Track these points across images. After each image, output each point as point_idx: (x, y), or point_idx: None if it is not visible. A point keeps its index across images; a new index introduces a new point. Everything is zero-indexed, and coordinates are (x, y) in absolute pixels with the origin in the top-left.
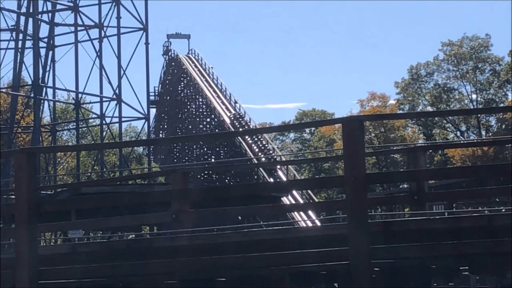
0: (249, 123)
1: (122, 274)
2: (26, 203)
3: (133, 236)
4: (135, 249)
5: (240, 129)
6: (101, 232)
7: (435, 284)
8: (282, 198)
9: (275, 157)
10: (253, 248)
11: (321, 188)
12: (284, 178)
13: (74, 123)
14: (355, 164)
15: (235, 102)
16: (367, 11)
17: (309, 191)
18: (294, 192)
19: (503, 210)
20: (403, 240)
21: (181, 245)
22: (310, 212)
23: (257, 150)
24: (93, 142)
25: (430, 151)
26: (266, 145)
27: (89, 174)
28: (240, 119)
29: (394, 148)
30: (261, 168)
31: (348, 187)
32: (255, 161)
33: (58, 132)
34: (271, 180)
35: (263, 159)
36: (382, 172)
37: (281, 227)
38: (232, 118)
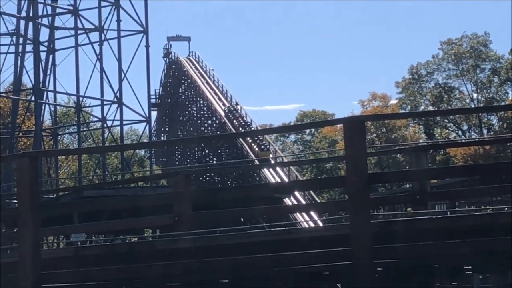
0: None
1: (125, 277)
2: (29, 207)
3: (136, 239)
4: (137, 251)
5: (241, 130)
6: (103, 236)
7: (438, 284)
8: (284, 199)
9: (277, 159)
10: (255, 249)
11: (323, 188)
12: (286, 179)
13: (75, 127)
14: (357, 164)
15: (236, 104)
16: (366, 11)
17: (311, 192)
18: (297, 194)
19: (506, 209)
20: (406, 239)
21: (183, 247)
22: (312, 213)
23: (258, 151)
24: (94, 145)
25: (432, 150)
26: (268, 146)
27: (91, 177)
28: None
29: (396, 148)
30: (263, 169)
31: (350, 187)
32: (256, 162)
33: (59, 136)
34: (273, 181)
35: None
36: (384, 172)
37: (282, 228)
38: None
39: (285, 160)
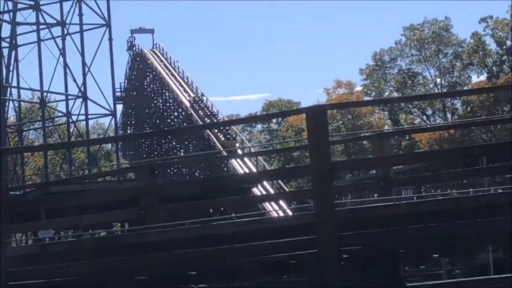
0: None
1: (92, 272)
2: None
3: (104, 233)
4: (104, 246)
5: (207, 121)
6: (72, 231)
7: (406, 268)
8: (252, 189)
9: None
10: (223, 241)
11: (289, 178)
12: (254, 170)
13: (40, 122)
14: (320, 152)
15: (202, 95)
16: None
17: (280, 181)
18: (265, 183)
19: (471, 192)
20: (371, 226)
21: (151, 241)
22: (281, 202)
23: (224, 140)
24: (60, 140)
25: (397, 136)
26: (234, 136)
27: (57, 173)
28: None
29: (361, 135)
30: (231, 161)
31: (314, 175)
32: (224, 153)
33: (24, 132)
34: (241, 171)
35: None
36: (346, 159)
37: (249, 219)
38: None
39: (253, 150)
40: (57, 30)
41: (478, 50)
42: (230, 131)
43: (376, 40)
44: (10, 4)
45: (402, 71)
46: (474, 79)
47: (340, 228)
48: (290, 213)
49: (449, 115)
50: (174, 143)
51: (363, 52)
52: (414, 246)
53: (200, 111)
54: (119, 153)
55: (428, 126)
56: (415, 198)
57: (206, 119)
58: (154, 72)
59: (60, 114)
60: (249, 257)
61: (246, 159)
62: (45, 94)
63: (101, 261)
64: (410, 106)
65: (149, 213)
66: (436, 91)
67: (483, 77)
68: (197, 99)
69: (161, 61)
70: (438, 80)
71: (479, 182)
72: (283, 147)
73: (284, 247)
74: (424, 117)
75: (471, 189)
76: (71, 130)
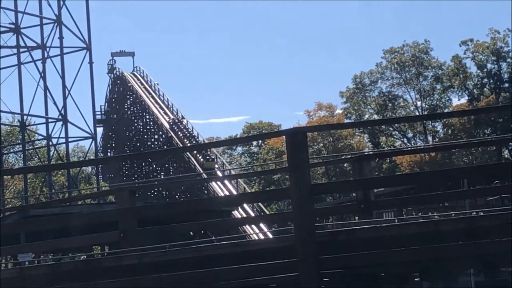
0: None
1: None
2: None
3: (84, 257)
4: (83, 270)
5: (187, 143)
6: (52, 255)
7: None
8: (233, 212)
9: (224, 172)
10: (203, 263)
11: (269, 200)
12: (234, 192)
13: (20, 146)
14: (299, 175)
15: (182, 117)
16: (310, 20)
17: (260, 204)
18: (245, 206)
19: (453, 215)
20: (351, 249)
21: (130, 263)
22: (262, 225)
23: (203, 161)
24: (40, 163)
25: (378, 159)
26: (214, 158)
27: (37, 196)
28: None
29: (341, 158)
30: (211, 183)
31: (293, 198)
32: (204, 176)
33: (4, 155)
34: (222, 194)
35: (219, 172)
36: (326, 182)
37: (230, 242)
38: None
39: (233, 172)
40: (37, 53)
41: (459, 73)
42: (210, 153)
43: (357, 64)
44: None
45: (383, 94)
46: (455, 101)
47: (320, 251)
48: (270, 236)
49: (430, 138)
50: (154, 166)
51: (344, 75)
52: (395, 269)
53: (179, 133)
54: (99, 176)
55: (408, 148)
56: (396, 221)
57: (186, 141)
58: (134, 95)
59: (40, 137)
60: (229, 280)
61: (226, 182)
62: (25, 117)
63: (79, 285)
64: (391, 128)
65: (127, 236)
66: (417, 113)
67: (464, 100)
68: (177, 120)
69: (142, 84)
70: (419, 103)
71: (461, 205)
72: (263, 170)
73: (263, 270)
74: (405, 140)
75: (452, 212)
76: (51, 153)
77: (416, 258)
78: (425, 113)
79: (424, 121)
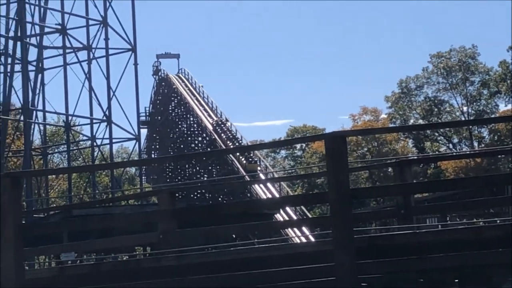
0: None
1: None
2: (11, 227)
3: (127, 257)
4: (121, 270)
5: (230, 145)
6: (95, 254)
7: None
8: (275, 215)
9: (267, 174)
10: (241, 266)
11: (309, 204)
12: (277, 195)
13: (65, 146)
14: (338, 179)
15: (226, 120)
16: (356, 25)
17: (303, 207)
18: (288, 209)
19: (498, 221)
20: (390, 254)
21: (168, 265)
22: (304, 229)
23: (246, 163)
24: (84, 164)
25: (422, 164)
26: (257, 160)
27: (81, 196)
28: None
29: (380, 162)
30: (254, 186)
31: (332, 202)
32: (247, 178)
33: (49, 155)
34: (264, 197)
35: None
36: (366, 187)
37: (267, 245)
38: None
39: (275, 175)
40: (83, 54)
41: (506, 78)
42: (253, 156)
43: (402, 68)
44: (37, 28)
45: (429, 99)
46: (502, 107)
47: (359, 256)
48: (312, 239)
49: (475, 143)
50: (197, 168)
51: (390, 79)
52: (434, 275)
53: (223, 135)
54: (143, 178)
55: (449, 154)
56: (439, 226)
57: (229, 143)
58: (179, 97)
59: (84, 137)
60: (266, 283)
61: (269, 185)
62: (70, 117)
63: (118, 285)
64: (436, 134)
65: (167, 238)
66: (463, 119)
67: (510, 106)
68: (220, 122)
69: (186, 86)
70: (465, 108)
71: (505, 212)
72: (306, 173)
73: (301, 274)
74: (450, 145)
75: (496, 219)
76: (95, 154)
77: (455, 264)
78: (471, 118)
79: (470, 127)
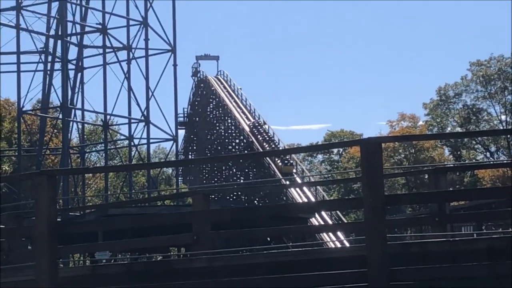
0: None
1: None
2: (46, 225)
3: (161, 257)
4: (154, 271)
5: (267, 147)
6: (129, 254)
7: None
8: (310, 219)
9: (304, 179)
10: (272, 269)
11: (342, 209)
12: (313, 199)
13: (103, 145)
14: (373, 185)
15: (264, 123)
16: (395, 31)
17: (338, 212)
18: (323, 213)
19: None
20: (424, 261)
21: (200, 266)
22: (339, 233)
23: (282, 166)
24: (121, 163)
25: (458, 172)
26: (293, 163)
27: (117, 195)
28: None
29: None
30: (289, 189)
31: (366, 208)
32: (283, 181)
33: (86, 154)
34: (300, 201)
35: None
36: (401, 193)
37: (299, 249)
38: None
39: (311, 179)
40: (122, 54)
41: None
42: (289, 159)
43: (442, 76)
44: (78, 27)
45: (467, 107)
46: None
47: (392, 263)
48: (347, 244)
49: None
50: (234, 170)
51: (428, 87)
52: (468, 283)
53: (260, 137)
54: (180, 178)
55: (487, 162)
56: (475, 235)
57: (266, 145)
58: (217, 99)
59: (122, 137)
60: (300, 287)
61: (305, 189)
62: (108, 117)
63: (150, 285)
64: (474, 142)
65: (201, 239)
66: (501, 128)
67: None
68: (257, 124)
69: (225, 88)
70: (503, 117)
71: None
72: (342, 178)
73: (334, 279)
74: (488, 154)
75: None
76: (132, 153)
77: (489, 273)
78: (510, 127)
79: (508, 136)
